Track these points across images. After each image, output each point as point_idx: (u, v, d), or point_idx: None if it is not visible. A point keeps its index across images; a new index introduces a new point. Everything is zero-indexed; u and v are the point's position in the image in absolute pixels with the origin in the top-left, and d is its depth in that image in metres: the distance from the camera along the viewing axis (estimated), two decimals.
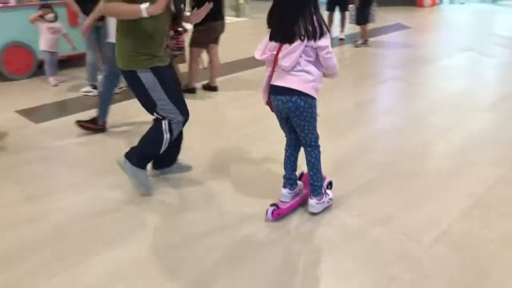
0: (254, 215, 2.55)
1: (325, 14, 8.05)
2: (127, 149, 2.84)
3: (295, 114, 2.38)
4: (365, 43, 7.32)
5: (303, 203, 2.65)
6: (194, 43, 4.86)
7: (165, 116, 2.75)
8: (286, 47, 2.29)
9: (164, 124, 2.75)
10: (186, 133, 3.04)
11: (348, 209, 2.63)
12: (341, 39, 7.78)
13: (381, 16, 8.24)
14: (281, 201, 2.61)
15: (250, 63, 6.37)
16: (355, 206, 2.66)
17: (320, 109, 2.45)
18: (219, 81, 5.21)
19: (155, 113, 2.77)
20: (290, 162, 2.64)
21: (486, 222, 2.50)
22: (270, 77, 2.41)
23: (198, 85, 5.14)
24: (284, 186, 2.63)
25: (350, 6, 7.39)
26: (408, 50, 7.26)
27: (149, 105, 2.74)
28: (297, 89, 2.32)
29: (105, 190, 2.93)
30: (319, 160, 2.54)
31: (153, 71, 2.66)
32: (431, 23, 9.96)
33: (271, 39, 2.34)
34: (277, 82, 2.38)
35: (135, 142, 2.87)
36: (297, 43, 2.26)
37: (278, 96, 2.40)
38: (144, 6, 2.44)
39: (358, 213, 2.58)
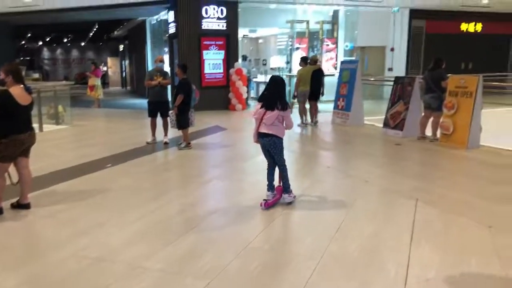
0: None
1: (147, 120, 8.28)
2: None
3: (274, 147, 4.55)
4: (187, 145, 7.71)
5: (277, 202, 4.61)
6: None
7: None
8: (269, 113, 4.45)
9: None
10: None
11: None
12: (166, 143, 8.01)
13: (201, 120, 8.89)
14: (268, 199, 4.59)
15: (68, 173, 5.99)
16: None
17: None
18: (31, 197, 4.68)
19: None
20: (271, 176, 4.71)
21: None
22: (258, 127, 4.55)
23: (6, 204, 4.51)
24: (268, 190, 4.69)
25: (170, 112, 7.80)
26: (226, 149, 7.92)
27: None
28: (274, 134, 4.51)
29: None
30: (287, 173, 4.64)
31: None
32: (243, 124, 11.11)
33: (261, 107, 4.50)
34: (263, 130, 4.52)
35: None
36: (275, 112, 4.44)
37: (264, 138, 4.55)
38: None
39: None
